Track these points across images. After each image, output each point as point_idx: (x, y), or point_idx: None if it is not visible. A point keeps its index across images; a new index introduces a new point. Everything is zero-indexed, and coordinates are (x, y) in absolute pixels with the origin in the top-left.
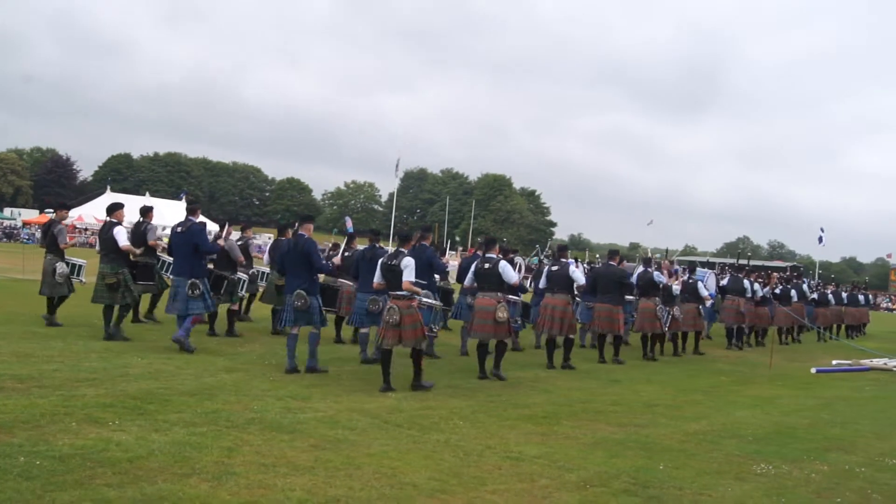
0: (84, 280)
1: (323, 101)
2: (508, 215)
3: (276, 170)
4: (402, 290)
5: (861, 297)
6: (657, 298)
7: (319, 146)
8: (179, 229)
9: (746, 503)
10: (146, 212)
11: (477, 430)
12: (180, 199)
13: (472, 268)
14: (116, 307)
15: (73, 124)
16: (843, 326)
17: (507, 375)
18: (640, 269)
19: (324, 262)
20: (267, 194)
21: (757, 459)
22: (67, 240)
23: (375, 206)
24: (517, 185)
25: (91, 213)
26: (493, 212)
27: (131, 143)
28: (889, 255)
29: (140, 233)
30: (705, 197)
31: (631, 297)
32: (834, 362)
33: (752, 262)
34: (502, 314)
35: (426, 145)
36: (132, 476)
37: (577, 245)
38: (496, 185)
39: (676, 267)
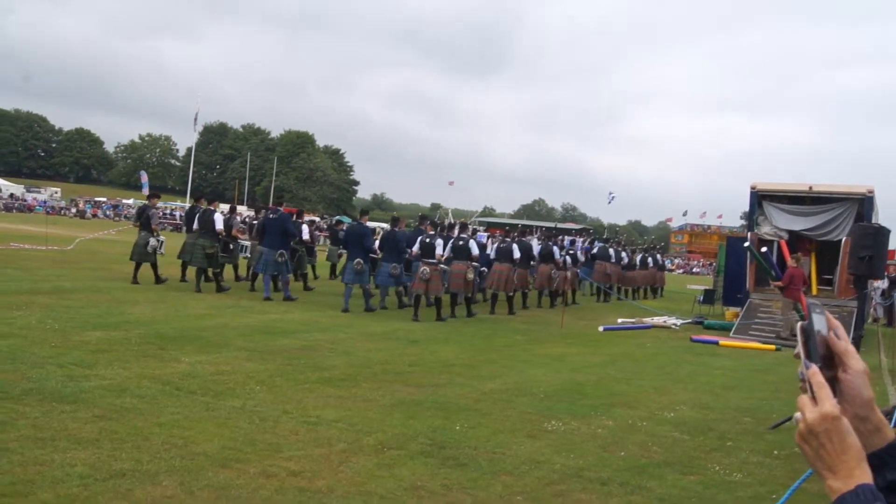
0: (164, 252)
1: (109, 46)
2: (311, 173)
3: (64, 119)
4: (432, 258)
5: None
6: (552, 264)
7: (109, 96)
8: (272, 216)
9: (538, 460)
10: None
11: (274, 394)
12: None
13: (450, 244)
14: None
15: None
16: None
17: (310, 338)
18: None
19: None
20: (54, 145)
21: (548, 416)
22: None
23: (172, 161)
24: (321, 142)
25: None
26: (295, 169)
27: None
28: (669, 219)
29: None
30: (501, 158)
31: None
32: (619, 320)
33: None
34: (471, 275)
35: (222, 98)
36: None
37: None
38: (299, 143)
39: (577, 240)
